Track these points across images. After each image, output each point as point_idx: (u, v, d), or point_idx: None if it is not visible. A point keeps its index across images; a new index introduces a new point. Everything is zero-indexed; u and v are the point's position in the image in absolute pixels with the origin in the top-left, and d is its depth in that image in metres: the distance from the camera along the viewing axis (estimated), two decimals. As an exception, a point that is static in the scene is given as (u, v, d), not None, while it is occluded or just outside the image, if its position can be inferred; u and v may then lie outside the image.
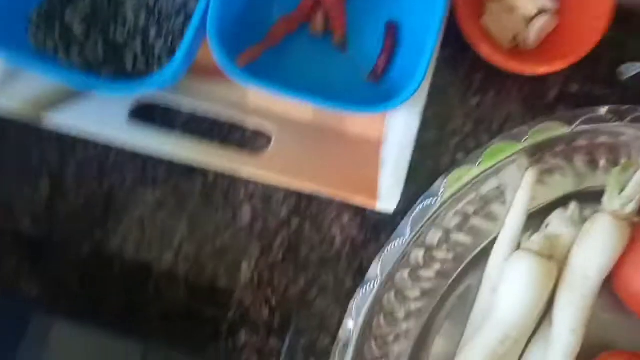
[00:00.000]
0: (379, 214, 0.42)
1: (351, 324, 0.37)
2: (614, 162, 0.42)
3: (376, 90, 0.42)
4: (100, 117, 0.42)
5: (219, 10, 0.39)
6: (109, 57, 0.43)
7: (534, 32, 0.45)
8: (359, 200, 0.41)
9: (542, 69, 0.43)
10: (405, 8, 0.44)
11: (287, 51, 0.43)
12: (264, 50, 0.41)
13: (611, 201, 0.39)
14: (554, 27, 0.46)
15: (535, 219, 0.41)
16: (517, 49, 0.46)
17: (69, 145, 0.43)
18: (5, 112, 0.42)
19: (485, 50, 0.43)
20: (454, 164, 0.43)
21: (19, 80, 0.42)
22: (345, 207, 0.42)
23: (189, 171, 0.43)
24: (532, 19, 0.46)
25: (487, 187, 0.41)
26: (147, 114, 0.43)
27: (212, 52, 0.38)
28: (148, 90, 0.42)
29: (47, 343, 0.34)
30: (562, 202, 0.41)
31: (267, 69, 0.41)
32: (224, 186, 0.43)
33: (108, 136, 0.42)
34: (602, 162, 0.42)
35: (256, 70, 0.39)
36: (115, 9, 0.43)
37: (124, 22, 0.43)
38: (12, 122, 0.43)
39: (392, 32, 0.43)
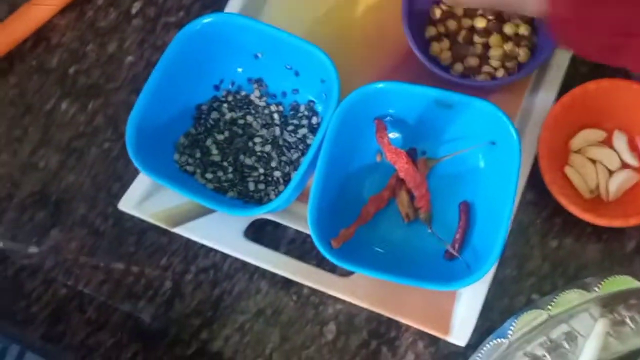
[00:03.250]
0: (453, 345, 0.45)
1: None
2: (689, 321, 0.43)
3: (455, 265, 0.46)
4: (220, 233, 0.50)
5: (318, 198, 0.45)
6: (236, 180, 0.51)
7: (615, 185, 0.48)
8: (431, 331, 0.45)
9: (617, 223, 0.45)
10: (481, 189, 0.48)
11: (377, 225, 0.48)
12: (356, 230, 0.47)
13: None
14: (635, 182, 0.48)
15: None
16: (597, 199, 0.49)
17: (193, 251, 0.51)
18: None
19: (563, 200, 0.46)
20: (528, 304, 0.46)
21: (158, 196, 0.51)
22: (421, 334, 0.46)
23: (287, 285, 0.49)
24: (614, 172, 0.49)
25: (558, 332, 0.44)
26: (258, 231, 0.51)
27: (311, 234, 0.44)
28: (263, 212, 0.49)
29: None
30: (633, 356, 0.43)
31: (358, 242, 0.46)
32: (316, 302, 0.49)
33: (224, 250, 0.50)
34: (678, 320, 0.43)
35: (347, 245, 0.45)
36: (247, 139, 0.52)
37: (253, 152, 0.51)
38: (150, 225, 0.51)
39: (466, 211, 0.47)
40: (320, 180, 0.45)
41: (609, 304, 0.44)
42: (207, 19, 0.50)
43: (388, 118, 0.50)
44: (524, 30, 0.52)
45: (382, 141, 0.49)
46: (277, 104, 0.53)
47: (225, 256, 0.50)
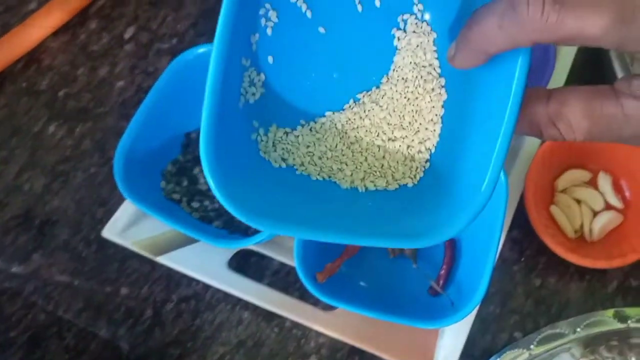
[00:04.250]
0: (434, 382, 0.45)
1: None
2: (671, 365, 0.43)
3: (439, 301, 0.46)
4: (203, 263, 0.49)
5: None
6: (223, 210, 0.50)
7: (598, 226, 0.48)
8: (414, 368, 0.45)
9: (600, 264, 0.46)
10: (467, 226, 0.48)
11: (362, 260, 0.48)
12: (341, 264, 0.46)
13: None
14: (618, 224, 0.49)
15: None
16: (581, 239, 0.49)
17: (175, 280, 0.51)
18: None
19: (547, 240, 0.47)
20: (510, 342, 0.46)
21: (143, 224, 0.51)
22: (403, 370, 0.46)
23: (270, 316, 0.49)
24: (598, 213, 0.49)
25: (539, 372, 0.44)
26: (243, 261, 0.50)
27: (296, 268, 0.44)
28: (249, 244, 0.49)
29: None
30: (614, 397, 0.43)
31: (343, 277, 0.46)
32: (298, 335, 0.48)
33: (207, 280, 0.49)
34: (659, 363, 0.43)
35: (332, 279, 0.45)
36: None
37: (240, 181, 0.52)
38: (133, 253, 0.51)
39: (451, 247, 0.47)
40: None
41: (591, 344, 0.44)
42: (201, 49, 0.50)
43: None
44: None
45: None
46: (266, 134, 0.53)
47: (207, 286, 0.50)
